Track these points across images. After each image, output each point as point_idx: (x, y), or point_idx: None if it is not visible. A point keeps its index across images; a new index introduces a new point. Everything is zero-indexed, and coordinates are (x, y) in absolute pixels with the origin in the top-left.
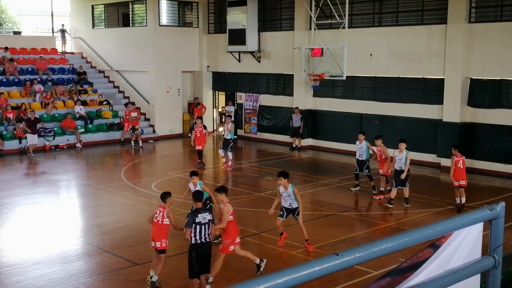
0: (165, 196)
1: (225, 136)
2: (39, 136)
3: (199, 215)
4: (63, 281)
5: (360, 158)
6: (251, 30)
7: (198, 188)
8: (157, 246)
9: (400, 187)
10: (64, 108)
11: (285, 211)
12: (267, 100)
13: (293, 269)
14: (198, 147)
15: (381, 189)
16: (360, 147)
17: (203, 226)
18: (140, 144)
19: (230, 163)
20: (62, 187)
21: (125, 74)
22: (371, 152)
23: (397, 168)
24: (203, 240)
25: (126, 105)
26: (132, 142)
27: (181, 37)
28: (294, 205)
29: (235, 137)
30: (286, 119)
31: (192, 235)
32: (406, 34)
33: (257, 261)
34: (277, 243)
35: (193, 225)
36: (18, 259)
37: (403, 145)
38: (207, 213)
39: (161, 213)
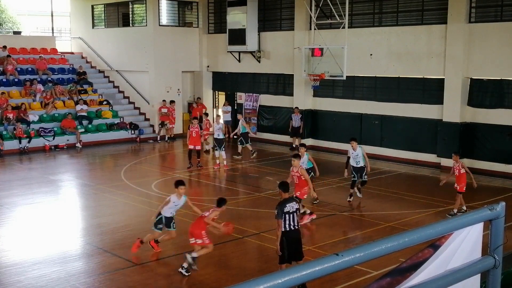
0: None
1: (215, 136)
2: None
3: (287, 205)
4: (63, 281)
5: (357, 165)
6: (251, 30)
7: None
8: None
9: None
10: (64, 108)
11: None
12: (267, 100)
13: (293, 269)
14: (192, 147)
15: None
16: (356, 154)
17: (291, 215)
18: (166, 139)
19: (225, 162)
20: (62, 187)
21: (125, 74)
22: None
23: None
24: (292, 227)
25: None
26: (166, 136)
27: (181, 37)
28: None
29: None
30: (286, 119)
31: (282, 223)
32: (406, 34)
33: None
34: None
35: (283, 215)
36: (18, 259)
37: None
38: (294, 203)
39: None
